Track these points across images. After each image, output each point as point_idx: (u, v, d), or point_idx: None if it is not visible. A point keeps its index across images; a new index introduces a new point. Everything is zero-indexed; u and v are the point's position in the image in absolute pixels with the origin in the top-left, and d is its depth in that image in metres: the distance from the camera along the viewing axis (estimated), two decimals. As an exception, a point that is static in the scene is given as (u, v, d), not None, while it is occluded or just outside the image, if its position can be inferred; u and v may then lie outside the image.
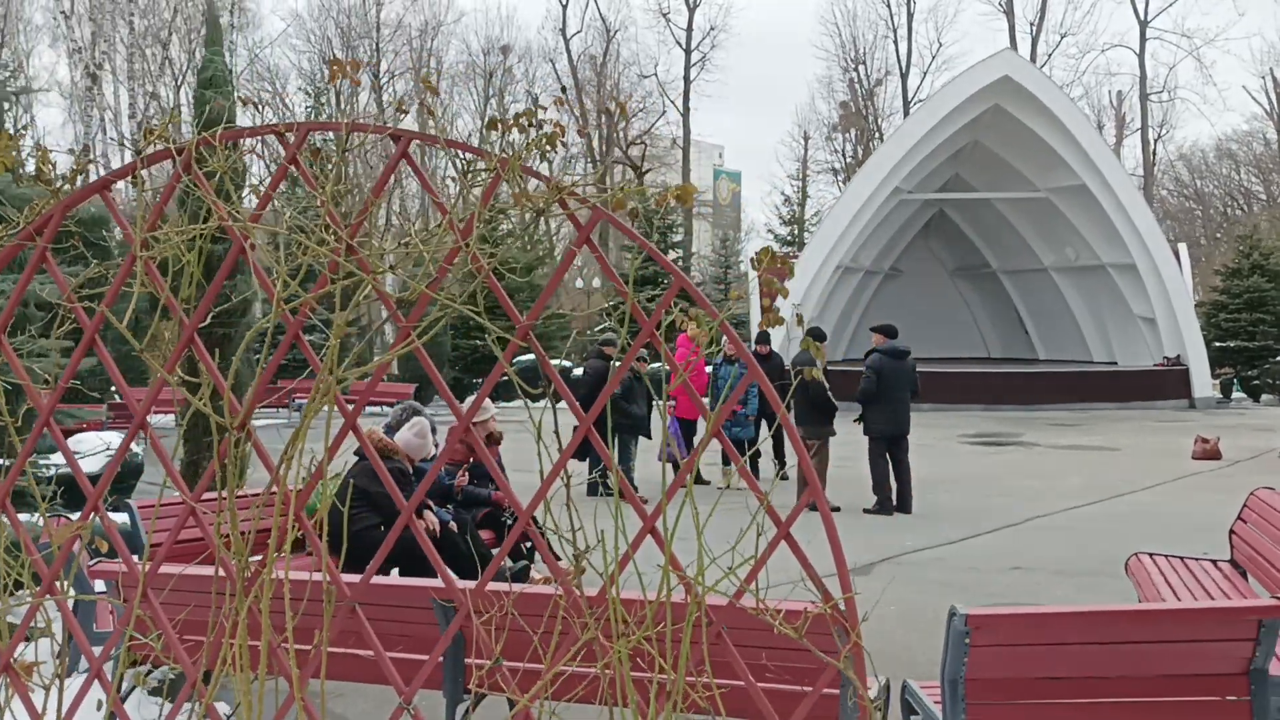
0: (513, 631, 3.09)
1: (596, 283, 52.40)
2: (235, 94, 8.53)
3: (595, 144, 55.38)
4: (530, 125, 3.08)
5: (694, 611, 2.84)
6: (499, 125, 3.13)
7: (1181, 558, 6.37)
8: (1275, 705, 3.63)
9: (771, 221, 55.65)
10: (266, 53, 51.24)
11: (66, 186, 3.29)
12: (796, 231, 46.61)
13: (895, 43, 54.04)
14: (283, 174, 3.19)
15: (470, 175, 3.16)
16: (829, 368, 13.93)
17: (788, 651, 3.16)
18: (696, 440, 13.59)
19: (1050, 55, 52.10)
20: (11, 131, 3.16)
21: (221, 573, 3.22)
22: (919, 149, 28.00)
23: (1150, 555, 6.40)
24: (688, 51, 53.81)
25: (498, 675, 3.10)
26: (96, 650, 3.42)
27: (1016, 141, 28.96)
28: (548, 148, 3.12)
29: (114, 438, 11.91)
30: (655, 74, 57.80)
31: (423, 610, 4.37)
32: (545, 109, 3.10)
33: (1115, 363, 30.23)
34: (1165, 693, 3.63)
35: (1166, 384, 27.66)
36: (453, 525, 7.14)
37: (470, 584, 3.89)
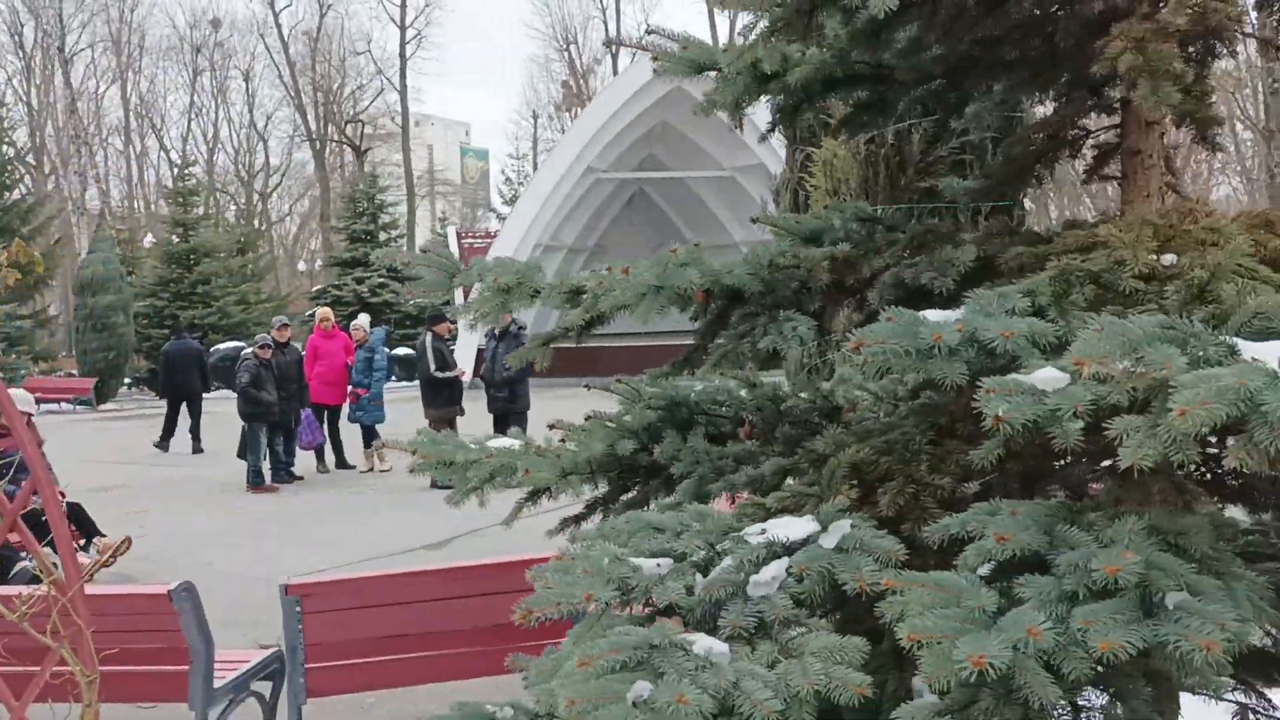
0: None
1: (319, 264, 51.06)
2: None
3: (312, 122, 53.79)
4: None
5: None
6: None
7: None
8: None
9: (495, 201, 55.87)
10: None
11: None
12: (519, 211, 46.75)
13: (605, 23, 54.96)
14: None
15: None
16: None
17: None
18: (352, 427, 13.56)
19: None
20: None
21: None
22: (607, 130, 28.77)
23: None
24: (403, 28, 52.97)
25: None
26: None
27: (700, 121, 30.17)
28: None
29: None
30: (369, 50, 56.67)
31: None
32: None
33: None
34: (489, 642, 4.05)
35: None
36: None
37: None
